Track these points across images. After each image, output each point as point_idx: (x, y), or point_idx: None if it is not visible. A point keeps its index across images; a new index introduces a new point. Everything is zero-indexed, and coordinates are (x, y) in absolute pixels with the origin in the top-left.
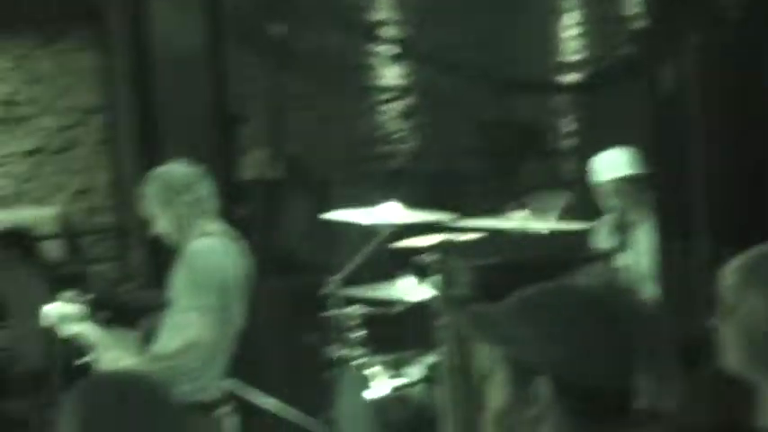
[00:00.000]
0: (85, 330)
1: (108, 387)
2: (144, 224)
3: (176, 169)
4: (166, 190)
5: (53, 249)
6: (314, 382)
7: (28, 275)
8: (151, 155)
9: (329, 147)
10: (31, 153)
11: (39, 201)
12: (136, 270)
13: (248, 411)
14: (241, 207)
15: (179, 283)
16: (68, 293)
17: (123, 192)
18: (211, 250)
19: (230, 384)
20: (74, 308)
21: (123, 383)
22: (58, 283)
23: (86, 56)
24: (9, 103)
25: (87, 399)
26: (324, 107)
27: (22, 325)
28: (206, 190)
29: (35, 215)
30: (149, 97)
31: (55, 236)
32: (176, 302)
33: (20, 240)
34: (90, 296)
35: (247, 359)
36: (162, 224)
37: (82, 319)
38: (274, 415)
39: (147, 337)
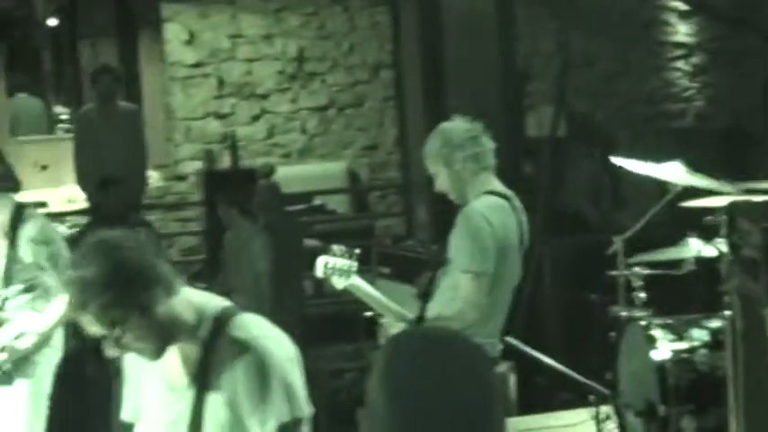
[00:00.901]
0: (355, 284)
1: (422, 342)
2: (429, 180)
3: (456, 125)
4: (446, 146)
5: (341, 204)
6: (596, 342)
7: (249, 230)
8: (438, 111)
9: (615, 105)
10: (320, 109)
11: (327, 156)
12: (420, 226)
13: (528, 369)
14: (527, 165)
15: (455, 242)
16: (339, 247)
17: (409, 148)
18: (488, 210)
19: (509, 342)
20: (344, 262)
21: (437, 338)
22: (344, 237)
23: (375, 13)
24: (299, 59)
25: (399, 352)
26: (610, 65)
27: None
28: (485, 147)
29: (323, 170)
30: (437, 54)
31: (342, 190)
32: (453, 262)
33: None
34: (358, 251)
35: (529, 317)
36: (442, 180)
37: (351, 273)
38: (554, 373)
39: (424, 294)
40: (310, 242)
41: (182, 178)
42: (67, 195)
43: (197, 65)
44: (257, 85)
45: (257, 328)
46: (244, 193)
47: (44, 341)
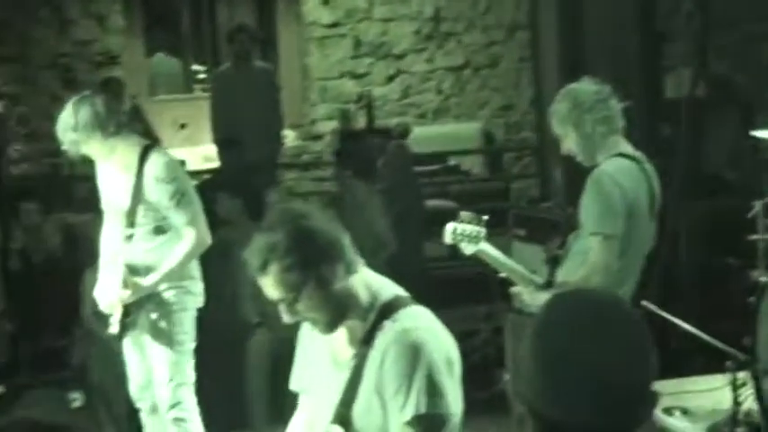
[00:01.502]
0: (483, 250)
1: (576, 305)
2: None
3: (585, 87)
4: (575, 108)
5: (475, 165)
6: (734, 307)
7: (365, 191)
8: (573, 72)
9: (757, 66)
10: (455, 69)
11: (462, 116)
12: (555, 188)
13: (664, 334)
14: (666, 127)
15: (585, 205)
16: (467, 213)
17: (544, 109)
18: (618, 173)
19: (645, 307)
20: (473, 228)
21: (593, 301)
22: (478, 198)
23: None
24: (435, 19)
25: (553, 315)
26: (750, 26)
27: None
28: (614, 109)
29: (458, 130)
30: (574, 14)
31: (477, 151)
32: (584, 225)
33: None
34: (486, 217)
35: (665, 282)
36: (569, 143)
37: (480, 239)
38: (691, 339)
39: (554, 259)
40: (442, 203)
41: (317, 138)
42: (205, 154)
43: (333, 25)
44: (393, 45)
45: (423, 321)
46: (360, 154)
47: (177, 285)
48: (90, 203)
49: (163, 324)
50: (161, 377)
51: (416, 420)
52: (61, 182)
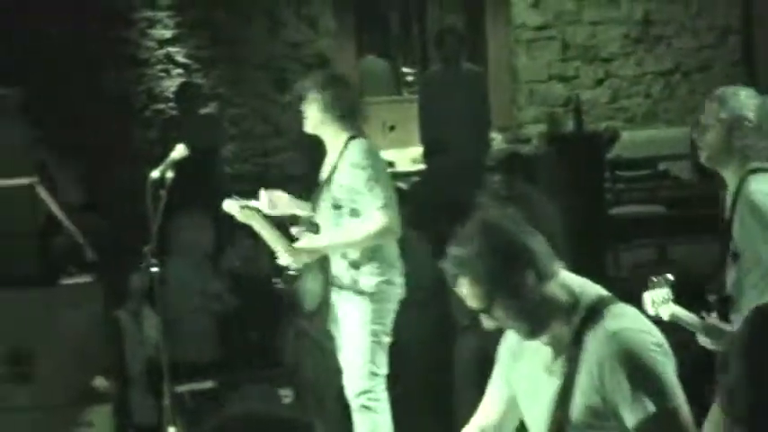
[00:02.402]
0: (674, 313)
1: None
2: None
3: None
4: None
5: (684, 170)
6: None
7: (532, 200)
8: None
9: None
10: (665, 73)
11: (671, 121)
12: None
13: None
14: None
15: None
16: (656, 279)
17: None
18: None
19: None
20: (661, 291)
21: None
22: (687, 204)
23: None
24: (645, 22)
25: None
26: None
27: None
28: None
29: (668, 135)
30: None
31: (687, 156)
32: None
33: (522, 165)
34: (672, 277)
35: None
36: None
37: (669, 300)
38: None
39: (725, 300)
40: (652, 209)
41: (525, 141)
42: (413, 155)
43: (542, 27)
44: (602, 49)
45: (630, 319)
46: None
47: (379, 274)
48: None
49: (362, 311)
50: (353, 363)
51: (650, 420)
52: (270, 182)
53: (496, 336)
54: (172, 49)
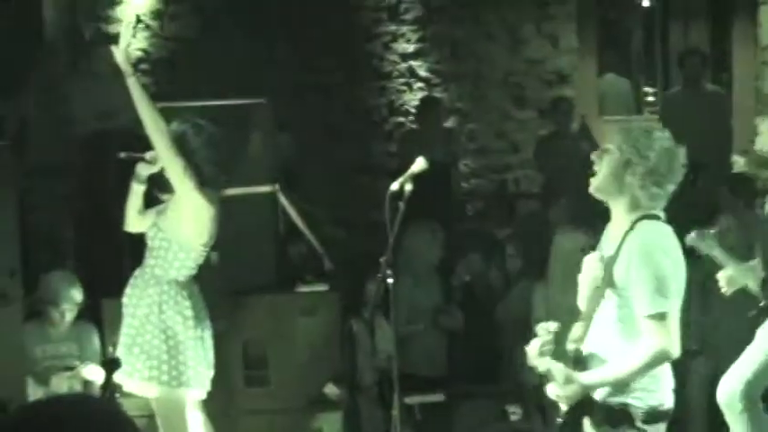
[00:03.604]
0: None
1: None
2: None
3: None
4: None
5: None
6: None
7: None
8: None
9: None
10: None
11: None
12: None
13: None
14: None
15: None
16: None
17: None
18: None
19: None
20: None
21: None
22: None
23: None
24: None
25: None
26: None
27: None
28: None
29: None
30: None
31: None
32: None
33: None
34: None
35: None
36: None
37: None
38: None
39: None
40: None
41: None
42: None
43: None
44: None
45: None
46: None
47: None
48: (533, 221)
49: None
50: None
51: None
52: (506, 198)
53: (726, 361)
54: (414, 63)
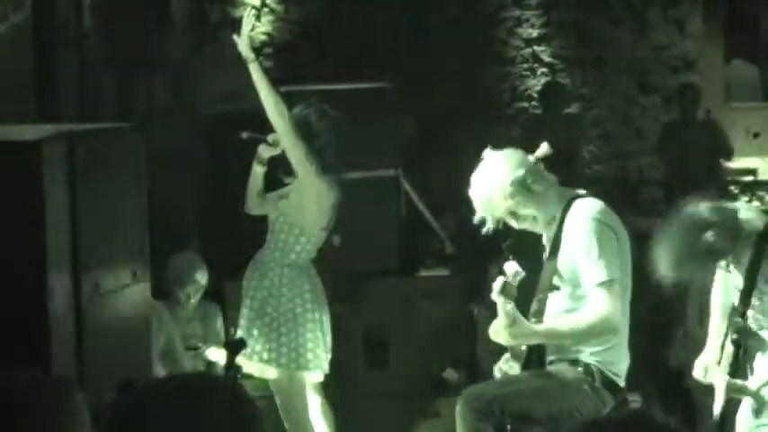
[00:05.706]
0: None
1: None
2: None
3: None
4: None
5: None
6: None
7: None
8: None
9: None
10: None
11: None
12: None
13: None
14: None
15: None
16: None
17: None
18: None
19: None
20: None
21: None
22: None
23: None
24: None
25: None
26: None
27: None
28: None
29: None
30: None
31: None
32: None
33: None
34: None
35: None
36: None
37: None
38: None
39: None
40: None
41: None
42: None
43: None
44: None
45: None
46: None
47: None
48: (655, 207)
49: None
50: None
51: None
52: (629, 185)
53: None
54: (538, 48)
